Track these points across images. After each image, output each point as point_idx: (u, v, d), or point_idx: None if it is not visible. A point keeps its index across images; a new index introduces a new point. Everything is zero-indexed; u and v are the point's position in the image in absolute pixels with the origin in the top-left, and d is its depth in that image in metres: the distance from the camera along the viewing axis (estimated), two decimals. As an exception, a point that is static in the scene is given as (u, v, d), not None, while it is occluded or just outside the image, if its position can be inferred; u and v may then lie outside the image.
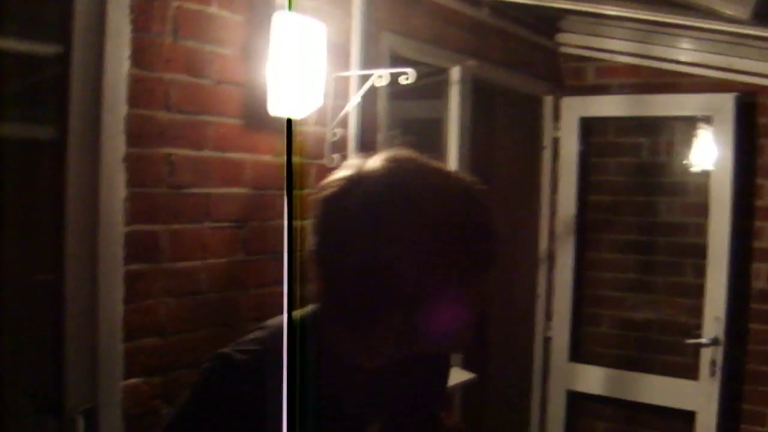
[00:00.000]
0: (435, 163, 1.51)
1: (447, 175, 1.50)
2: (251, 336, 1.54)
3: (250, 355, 1.48)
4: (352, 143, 3.50)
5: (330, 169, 3.29)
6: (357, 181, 1.44)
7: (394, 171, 1.44)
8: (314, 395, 1.39)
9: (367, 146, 3.50)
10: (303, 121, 3.20)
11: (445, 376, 1.85)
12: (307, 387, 1.36)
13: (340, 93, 3.41)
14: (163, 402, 2.72)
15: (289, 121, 2.70)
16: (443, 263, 1.41)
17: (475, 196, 1.50)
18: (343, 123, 3.42)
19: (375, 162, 1.46)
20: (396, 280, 1.39)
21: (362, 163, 1.47)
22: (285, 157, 1.36)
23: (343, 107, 3.39)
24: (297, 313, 1.54)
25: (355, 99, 3.42)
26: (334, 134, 3.37)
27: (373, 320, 1.45)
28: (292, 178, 1.32)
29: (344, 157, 3.38)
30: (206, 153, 2.86)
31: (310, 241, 1.46)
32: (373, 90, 3.45)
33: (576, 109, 5.16)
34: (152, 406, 2.69)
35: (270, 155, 3.11)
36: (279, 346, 1.43)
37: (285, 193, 1.31)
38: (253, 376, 1.44)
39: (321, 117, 3.32)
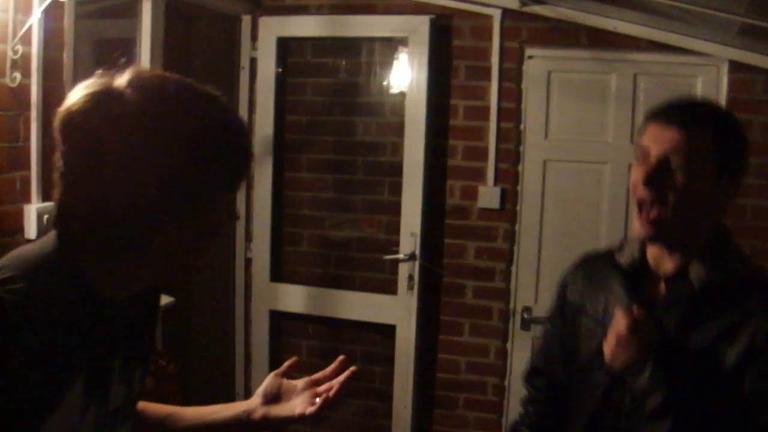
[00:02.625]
0: (177, 78, 1.50)
1: (193, 88, 1.49)
2: (8, 273, 1.42)
3: (21, 296, 1.38)
4: (35, 61, 3.27)
5: (11, 89, 3.13)
6: (107, 97, 1.39)
7: (147, 86, 1.41)
8: (70, 331, 1.38)
9: (52, 65, 3.34)
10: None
11: (157, 308, 1.84)
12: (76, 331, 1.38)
13: (21, 7, 3.16)
14: None
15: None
16: (202, 175, 1.42)
17: (226, 108, 1.51)
18: (26, 39, 3.19)
19: (122, 79, 1.41)
20: (155, 197, 1.39)
21: (108, 80, 1.42)
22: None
23: (25, 22, 3.15)
24: (34, 246, 1.50)
25: (36, 13, 3.18)
26: (15, 51, 3.13)
27: (133, 240, 1.44)
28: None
29: (26, 76, 3.20)
30: None
31: (57, 162, 1.42)
32: (58, 5, 3.26)
33: (274, 29, 5.09)
34: None
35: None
36: (43, 281, 1.41)
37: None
38: (35, 315, 1.37)
39: (0, 33, 3.08)
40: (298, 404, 1.86)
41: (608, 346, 2.09)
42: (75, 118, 1.39)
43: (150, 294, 1.73)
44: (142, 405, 1.91)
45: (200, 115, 1.43)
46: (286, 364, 1.94)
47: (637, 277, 2.23)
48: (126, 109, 1.37)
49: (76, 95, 1.41)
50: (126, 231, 1.41)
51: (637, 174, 2.07)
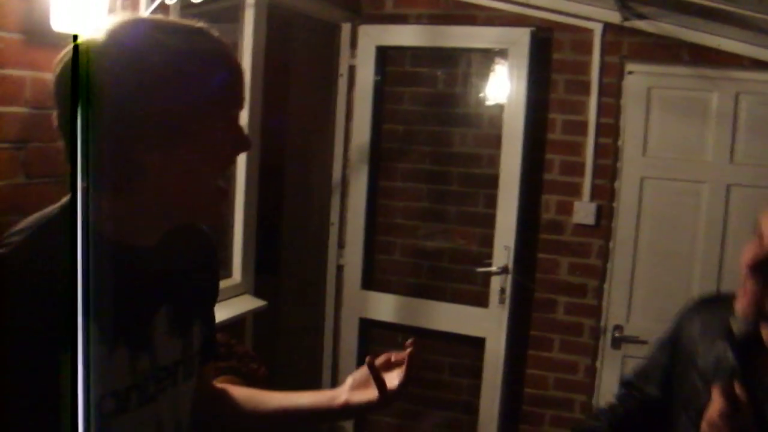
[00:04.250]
0: (145, 17, 1.57)
1: (159, 22, 1.50)
2: (12, 230, 1.47)
3: (12, 247, 1.41)
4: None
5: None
6: (90, 46, 1.41)
7: (113, 31, 1.43)
8: (99, 284, 1.35)
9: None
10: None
11: (213, 264, 1.85)
12: (90, 276, 1.32)
13: (129, 10, 3.20)
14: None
15: (75, 37, 2.52)
16: (194, 107, 1.43)
17: (210, 36, 1.50)
18: None
19: (102, 30, 1.44)
20: (150, 132, 1.40)
21: (93, 33, 1.44)
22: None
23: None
24: (57, 205, 1.52)
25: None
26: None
27: (133, 179, 1.44)
28: (78, 96, 1.24)
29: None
30: (-18, 69, 2.64)
31: (57, 118, 1.46)
32: (163, 9, 3.30)
33: (373, 37, 5.11)
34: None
35: (53, 73, 2.89)
36: (47, 232, 1.43)
37: (71, 112, 1.22)
38: (19, 267, 1.39)
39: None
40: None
41: (704, 424, 1.91)
42: (62, 71, 1.45)
43: (202, 249, 1.76)
44: (226, 385, 1.95)
45: (162, 46, 1.42)
46: (383, 357, 1.87)
47: (752, 346, 2.04)
48: (96, 55, 1.39)
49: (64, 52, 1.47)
50: (116, 169, 1.43)
51: (748, 254, 1.92)
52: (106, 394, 1.43)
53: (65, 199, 1.50)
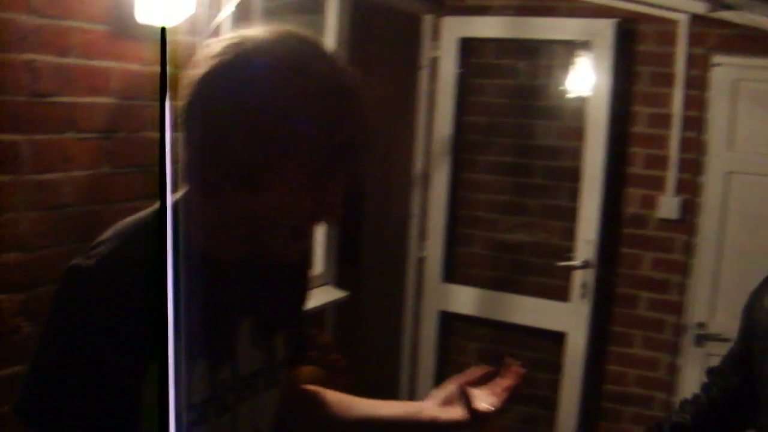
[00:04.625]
0: (317, 41, 1.44)
1: (325, 56, 1.43)
2: (99, 239, 1.45)
3: (98, 258, 1.38)
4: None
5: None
6: (233, 55, 1.39)
7: (274, 44, 1.38)
8: (185, 297, 1.31)
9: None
10: (174, 30, 3.04)
11: (305, 284, 1.83)
12: (177, 290, 1.28)
13: (215, 2, 3.26)
14: (25, 319, 2.60)
15: (163, 29, 2.57)
16: (306, 147, 1.36)
17: (352, 84, 1.44)
18: (216, 34, 3.25)
19: (254, 34, 1.40)
20: (233, 166, 1.35)
21: (240, 37, 1.41)
22: (155, 67, 1.29)
23: (216, 17, 3.24)
24: (143, 214, 1.49)
25: (228, 8, 3.26)
26: (207, 45, 3.23)
27: (216, 204, 1.42)
28: (166, 88, 1.24)
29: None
30: (71, 60, 2.71)
31: (181, 118, 1.39)
32: (247, 1, 3.34)
33: (456, 29, 5.10)
34: (14, 323, 2.58)
35: (138, 64, 2.95)
36: (133, 242, 1.41)
37: (159, 103, 1.22)
38: (104, 279, 1.36)
39: (193, 26, 3.15)
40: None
41: None
42: (206, 75, 1.41)
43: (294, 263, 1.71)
44: (317, 389, 1.93)
45: (295, 88, 1.35)
46: (478, 373, 1.81)
47: None
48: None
49: (206, 54, 1.44)
50: (197, 194, 1.42)
51: None
52: (183, 408, 1.43)
53: (151, 208, 1.49)
